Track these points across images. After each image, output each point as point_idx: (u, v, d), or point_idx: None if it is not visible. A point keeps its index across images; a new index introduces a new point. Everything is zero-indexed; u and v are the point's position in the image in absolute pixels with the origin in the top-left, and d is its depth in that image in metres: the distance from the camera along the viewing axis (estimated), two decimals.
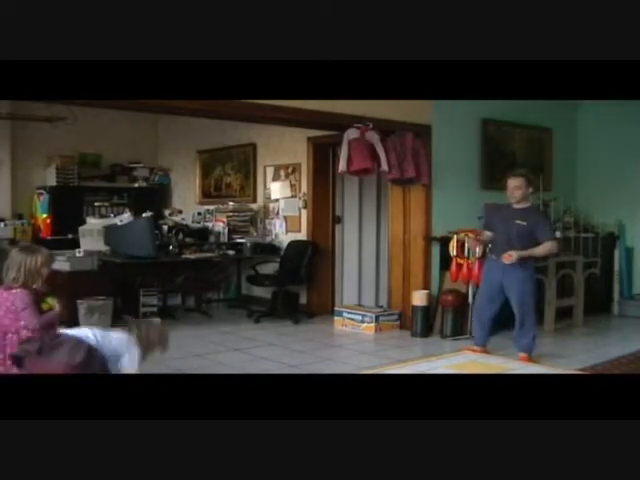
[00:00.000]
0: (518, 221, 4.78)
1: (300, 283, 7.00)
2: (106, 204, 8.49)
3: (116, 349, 3.03)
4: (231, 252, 7.44)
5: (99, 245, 6.65)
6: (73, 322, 4.67)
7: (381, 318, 6.27)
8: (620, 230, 7.33)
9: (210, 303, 7.66)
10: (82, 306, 5.89)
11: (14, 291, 3.24)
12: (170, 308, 7.07)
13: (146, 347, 3.16)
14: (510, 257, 4.64)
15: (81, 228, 6.96)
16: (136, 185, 8.82)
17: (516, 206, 4.87)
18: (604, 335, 6.28)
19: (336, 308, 6.72)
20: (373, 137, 5.72)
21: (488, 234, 5.09)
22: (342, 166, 5.67)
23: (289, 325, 6.53)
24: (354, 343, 5.82)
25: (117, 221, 6.92)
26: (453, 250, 5.80)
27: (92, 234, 6.81)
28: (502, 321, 5.06)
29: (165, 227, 7.40)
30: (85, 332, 3.05)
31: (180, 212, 8.17)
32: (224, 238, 7.65)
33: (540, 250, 4.76)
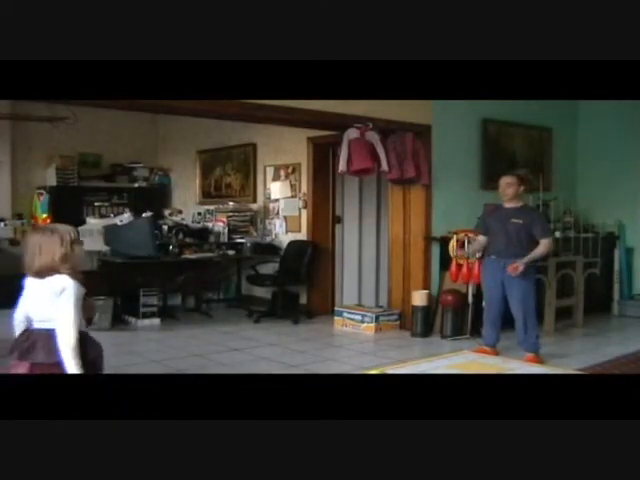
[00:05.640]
0: (513, 220, 4.85)
1: (300, 283, 7.00)
2: (106, 204, 8.51)
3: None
4: (231, 252, 7.44)
5: (99, 245, 6.66)
6: None
7: (381, 318, 6.27)
8: (620, 230, 7.33)
9: (210, 303, 7.66)
10: None
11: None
12: (170, 308, 7.07)
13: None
14: (516, 269, 4.71)
15: (81, 228, 6.94)
16: (136, 185, 8.83)
17: (509, 205, 4.94)
18: (604, 335, 6.28)
19: (336, 308, 6.72)
20: (373, 137, 5.72)
21: (481, 240, 5.14)
22: (342, 166, 5.67)
23: (289, 325, 6.53)
24: (354, 343, 5.82)
25: (117, 221, 6.93)
26: (453, 250, 5.80)
27: (92, 234, 6.81)
28: (506, 320, 5.06)
29: (165, 227, 7.39)
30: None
31: (180, 212, 8.18)
32: (224, 238, 7.65)
33: (539, 251, 4.83)
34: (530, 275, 4.90)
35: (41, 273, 2.69)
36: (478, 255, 5.46)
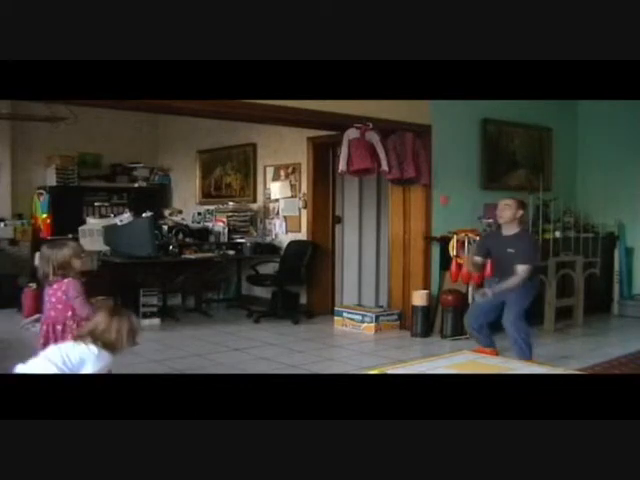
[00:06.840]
0: (509, 249, 4.65)
1: (300, 283, 6.99)
2: (106, 204, 8.51)
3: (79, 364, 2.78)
4: (231, 252, 7.44)
5: (99, 245, 6.66)
6: None
7: (381, 318, 6.27)
8: (620, 230, 7.33)
9: (210, 303, 7.66)
10: None
11: (66, 280, 3.23)
12: (170, 308, 7.07)
13: (115, 342, 2.93)
14: (484, 295, 4.65)
15: (81, 228, 6.97)
16: (136, 185, 8.83)
17: (505, 232, 4.75)
18: (604, 335, 6.28)
19: (336, 308, 6.72)
20: (373, 137, 5.72)
21: (477, 260, 4.96)
22: (342, 166, 5.67)
23: (289, 325, 6.53)
24: (354, 343, 5.82)
25: (117, 221, 6.93)
26: (453, 250, 5.80)
27: (92, 234, 6.81)
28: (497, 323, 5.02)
29: (165, 227, 7.39)
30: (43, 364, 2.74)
31: (180, 212, 8.17)
32: (224, 238, 7.65)
33: (511, 282, 4.59)
34: (531, 288, 4.75)
35: None
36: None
